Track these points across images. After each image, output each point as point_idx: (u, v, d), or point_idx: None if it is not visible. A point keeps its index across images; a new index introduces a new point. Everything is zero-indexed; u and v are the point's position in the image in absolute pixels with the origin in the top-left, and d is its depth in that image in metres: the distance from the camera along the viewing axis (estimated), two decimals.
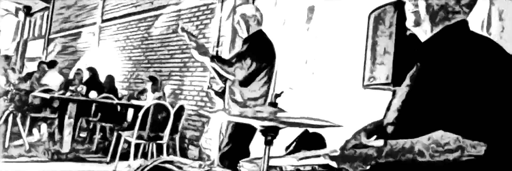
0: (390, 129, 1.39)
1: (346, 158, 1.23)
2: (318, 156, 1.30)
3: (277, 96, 1.56)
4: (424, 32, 1.43)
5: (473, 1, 1.42)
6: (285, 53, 4.00)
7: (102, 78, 7.26)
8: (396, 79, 1.74)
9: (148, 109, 4.45)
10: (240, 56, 3.02)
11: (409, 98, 1.37)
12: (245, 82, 2.96)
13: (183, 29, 3.04)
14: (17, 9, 15.10)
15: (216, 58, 2.97)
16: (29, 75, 8.16)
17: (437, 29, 1.40)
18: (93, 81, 6.87)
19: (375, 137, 1.25)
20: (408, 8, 1.44)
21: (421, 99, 1.30)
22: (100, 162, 4.99)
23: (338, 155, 1.24)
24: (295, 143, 1.98)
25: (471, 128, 1.18)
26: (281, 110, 1.53)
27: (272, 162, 1.50)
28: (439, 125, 1.21)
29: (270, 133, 1.47)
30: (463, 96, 1.20)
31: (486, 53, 1.26)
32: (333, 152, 1.27)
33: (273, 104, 1.55)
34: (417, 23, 1.41)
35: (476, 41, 1.32)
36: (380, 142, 1.21)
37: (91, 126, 6.48)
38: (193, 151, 5.54)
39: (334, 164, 1.25)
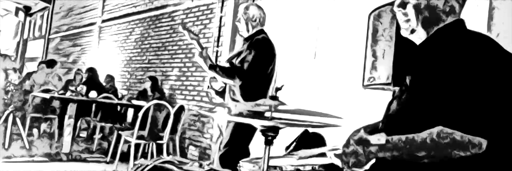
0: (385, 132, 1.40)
1: (348, 155, 1.23)
2: (322, 154, 1.30)
3: (278, 89, 1.56)
4: (419, 39, 1.45)
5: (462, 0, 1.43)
6: (285, 54, 4.00)
7: (102, 78, 7.27)
8: (396, 80, 1.74)
9: (148, 109, 4.44)
10: (240, 56, 3.01)
11: (409, 96, 1.37)
12: (245, 82, 2.94)
13: (184, 27, 3.02)
14: (17, 9, 15.10)
15: (217, 67, 2.95)
16: (29, 75, 8.17)
17: (431, 33, 1.41)
18: (92, 81, 6.87)
19: (376, 135, 1.25)
20: (400, 18, 1.46)
21: (421, 96, 1.30)
22: (100, 162, 4.99)
23: (341, 152, 1.25)
24: (295, 143, 1.97)
25: (471, 124, 1.18)
26: (282, 103, 1.53)
27: (272, 162, 1.50)
28: (439, 121, 1.21)
29: (270, 133, 1.47)
30: (464, 92, 1.20)
31: (484, 50, 1.26)
32: (335, 150, 1.27)
33: (274, 97, 1.55)
34: (412, 31, 1.44)
35: (474, 39, 1.33)
36: (382, 140, 1.21)
37: (91, 126, 6.48)
38: (193, 151, 5.54)
39: (338, 162, 1.25)
